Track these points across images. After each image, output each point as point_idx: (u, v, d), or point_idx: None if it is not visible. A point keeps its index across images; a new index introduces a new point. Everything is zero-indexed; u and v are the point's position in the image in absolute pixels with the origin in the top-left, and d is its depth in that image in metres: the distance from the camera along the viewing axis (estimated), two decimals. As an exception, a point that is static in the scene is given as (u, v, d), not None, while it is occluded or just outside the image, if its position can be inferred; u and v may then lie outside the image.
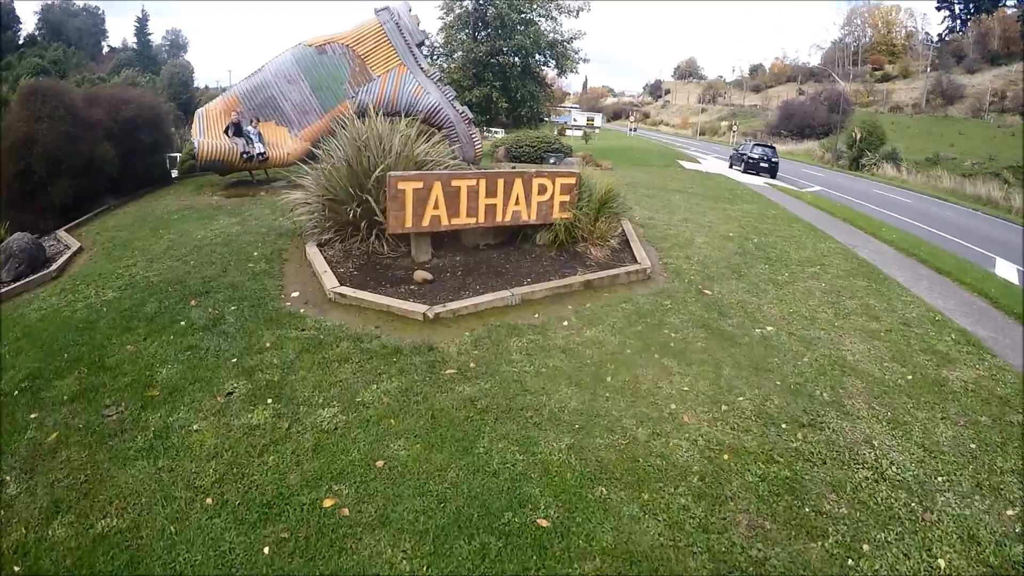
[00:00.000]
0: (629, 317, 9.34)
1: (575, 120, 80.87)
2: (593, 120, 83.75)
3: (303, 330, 8.29)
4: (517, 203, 10.80)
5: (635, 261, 11.38)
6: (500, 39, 35.89)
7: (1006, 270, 17.55)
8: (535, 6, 36.60)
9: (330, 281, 9.49)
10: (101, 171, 17.79)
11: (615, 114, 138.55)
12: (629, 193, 16.82)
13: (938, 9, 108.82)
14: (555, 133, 44.52)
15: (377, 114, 11.77)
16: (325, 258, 10.45)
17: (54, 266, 11.54)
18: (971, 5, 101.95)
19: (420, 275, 9.77)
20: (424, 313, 8.57)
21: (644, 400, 7.09)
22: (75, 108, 17.79)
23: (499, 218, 10.75)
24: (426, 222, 10.11)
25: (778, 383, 7.73)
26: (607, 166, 27.86)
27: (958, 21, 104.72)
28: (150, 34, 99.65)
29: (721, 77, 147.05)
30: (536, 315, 9.11)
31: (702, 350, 8.46)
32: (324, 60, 19.55)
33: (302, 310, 8.90)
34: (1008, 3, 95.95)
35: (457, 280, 9.97)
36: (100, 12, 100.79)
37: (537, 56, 37.85)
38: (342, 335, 8.14)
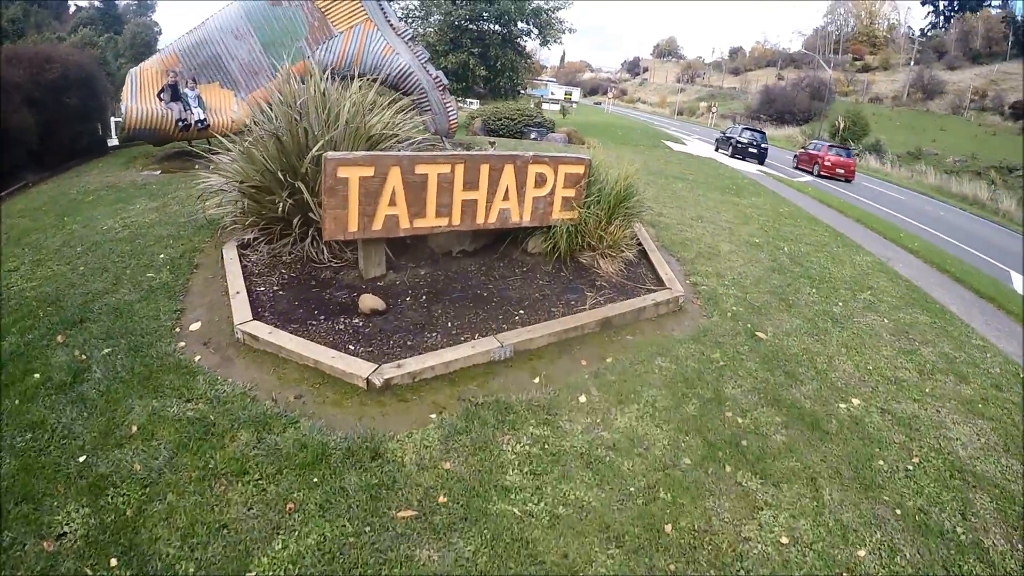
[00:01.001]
0: (672, 385, 6.43)
1: (552, 94, 77.83)
2: (571, 95, 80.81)
3: (189, 400, 5.32)
4: (506, 198, 7.79)
5: (660, 283, 8.52)
6: (481, 3, 32.71)
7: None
8: None
9: (241, 310, 6.53)
10: (18, 142, 14.85)
11: (592, 89, 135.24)
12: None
13: (923, 4, 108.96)
14: (532, 106, 41.61)
15: (336, 76, 8.91)
16: (245, 267, 7.56)
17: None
18: (956, 3, 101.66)
19: (368, 302, 6.78)
20: (368, 378, 5.59)
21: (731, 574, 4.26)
22: None
23: (481, 219, 7.74)
24: (378, 225, 7.05)
25: (898, 512, 5.05)
26: (594, 144, 25.04)
27: (942, 17, 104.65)
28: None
29: (700, 58, 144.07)
30: (537, 379, 6.15)
31: (785, 449, 5.65)
32: (278, 13, 16.45)
33: (197, 358, 5.96)
34: (993, 3, 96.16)
35: (420, 310, 6.98)
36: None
37: (520, 24, 34.73)
38: (244, 416, 5.16)
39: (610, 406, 5.90)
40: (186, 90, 15.47)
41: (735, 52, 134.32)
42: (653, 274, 8.77)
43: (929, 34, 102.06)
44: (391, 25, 17.48)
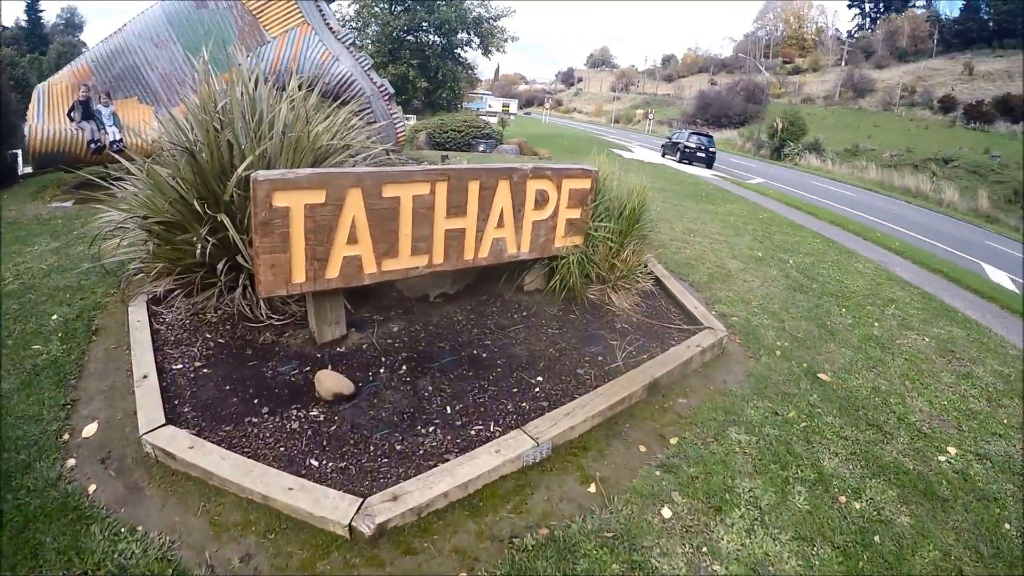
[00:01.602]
0: (764, 468, 4.65)
1: (490, 106, 75.75)
2: (508, 107, 78.97)
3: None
4: (500, 224, 5.81)
5: (691, 319, 6.70)
6: (421, 12, 30.75)
7: (1001, 278, 15.12)
8: None
9: (150, 408, 4.41)
10: None
11: (528, 101, 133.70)
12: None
13: (849, 7, 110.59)
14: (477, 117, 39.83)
15: (267, 82, 7.05)
16: (157, 331, 5.50)
17: None
18: (881, 4, 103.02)
19: (329, 383, 4.71)
20: (352, 525, 3.50)
21: None
22: None
23: (470, 254, 5.73)
24: (333, 272, 4.98)
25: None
26: (545, 155, 23.30)
27: (868, 19, 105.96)
28: (42, 11, 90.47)
29: (634, 66, 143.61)
30: (593, 487, 4.19)
31: (918, 536, 4.27)
32: (204, 17, 14.37)
33: (92, 488, 3.88)
34: (917, 3, 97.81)
35: (403, 388, 4.96)
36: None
37: (460, 34, 32.84)
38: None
39: (705, 519, 4.04)
40: (99, 107, 13.28)
41: (668, 60, 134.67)
42: (677, 308, 6.93)
43: (856, 35, 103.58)
44: (330, 28, 15.51)
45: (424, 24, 31.98)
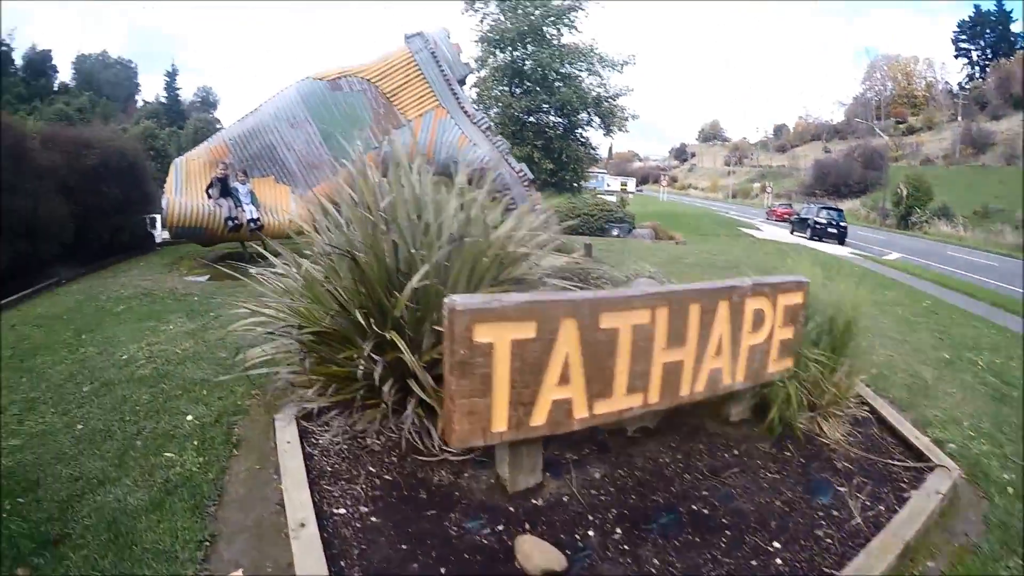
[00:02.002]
0: None
1: (608, 185, 74.86)
2: (627, 185, 77.96)
3: None
4: (719, 352, 4.85)
5: (914, 452, 5.59)
6: (542, 94, 30.38)
7: None
8: (577, 60, 30.98)
9: (311, 568, 3.53)
10: (48, 234, 12.60)
11: (643, 178, 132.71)
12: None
13: (956, 57, 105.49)
14: (612, 198, 39.11)
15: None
16: (311, 457, 4.68)
17: None
18: (988, 50, 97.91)
19: (537, 556, 3.67)
20: None
21: None
22: (19, 151, 12.59)
23: (686, 389, 4.75)
24: (540, 418, 4.04)
25: None
26: (680, 239, 22.25)
27: (977, 68, 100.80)
28: (179, 89, 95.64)
29: (745, 138, 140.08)
30: None
31: None
32: (339, 99, 14.13)
33: None
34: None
35: (623, 561, 3.84)
36: (133, 65, 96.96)
37: (581, 114, 32.24)
38: None
39: None
40: (236, 184, 13.09)
41: (779, 129, 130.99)
42: (894, 437, 5.80)
43: (968, 87, 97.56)
44: (465, 112, 15.10)
45: (545, 105, 31.48)
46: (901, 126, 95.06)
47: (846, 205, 63.35)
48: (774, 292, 5.10)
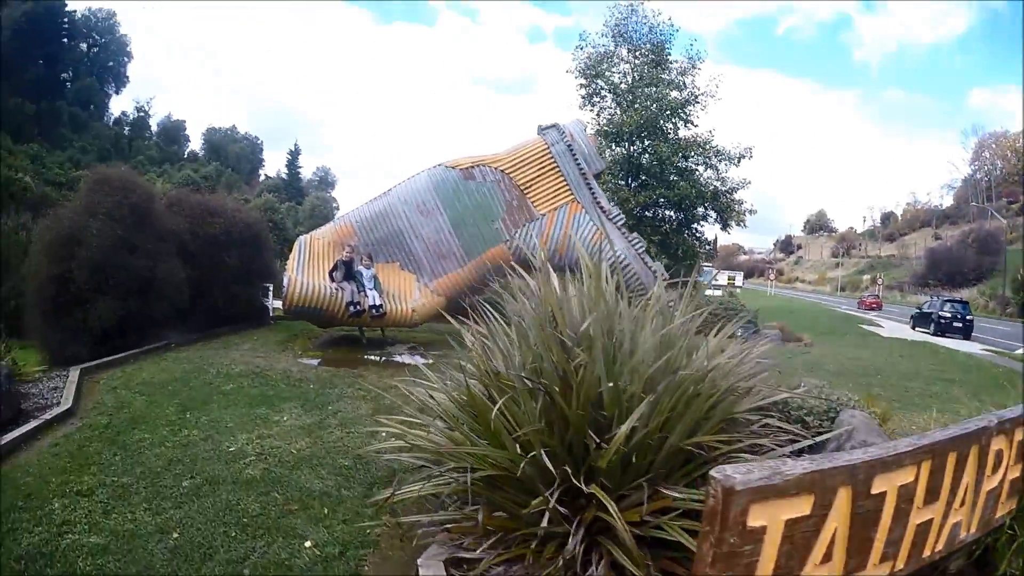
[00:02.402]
0: None
1: (716, 279, 72.88)
2: (734, 279, 75.76)
3: None
4: (962, 503, 3.67)
5: None
6: (660, 188, 29.56)
7: None
8: (694, 153, 30.07)
9: None
10: (164, 296, 12.25)
11: (748, 271, 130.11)
12: (896, 395, 11.33)
13: None
14: (727, 296, 37.73)
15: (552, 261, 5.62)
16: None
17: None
18: None
19: None
20: None
21: None
22: (144, 210, 12.47)
23: (928, 548, 3.41)
24: None
25: None
26: (808, 341, 20.73)
27: None
28: (300, 167, 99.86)
29: (852, 228, 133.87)
30: None
31: None
32: (471, 188, 13.62)
33: None
34: None
35: None
36: (259, 141, 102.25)
37: (698, 208, 31.17)
38: None
39: None
40: (361, 268, 12.58)
41: (887, 217, 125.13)
42: None
43: None
44: (600, 207, 14.37)
45: (662, 200, 30.62)
46: (1013, 206, 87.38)
47: (963, 295, 59.38)
48: (1012, 428, 3.98)
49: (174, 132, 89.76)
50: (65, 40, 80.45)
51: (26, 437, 6.94)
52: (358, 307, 12.06)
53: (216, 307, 14.31)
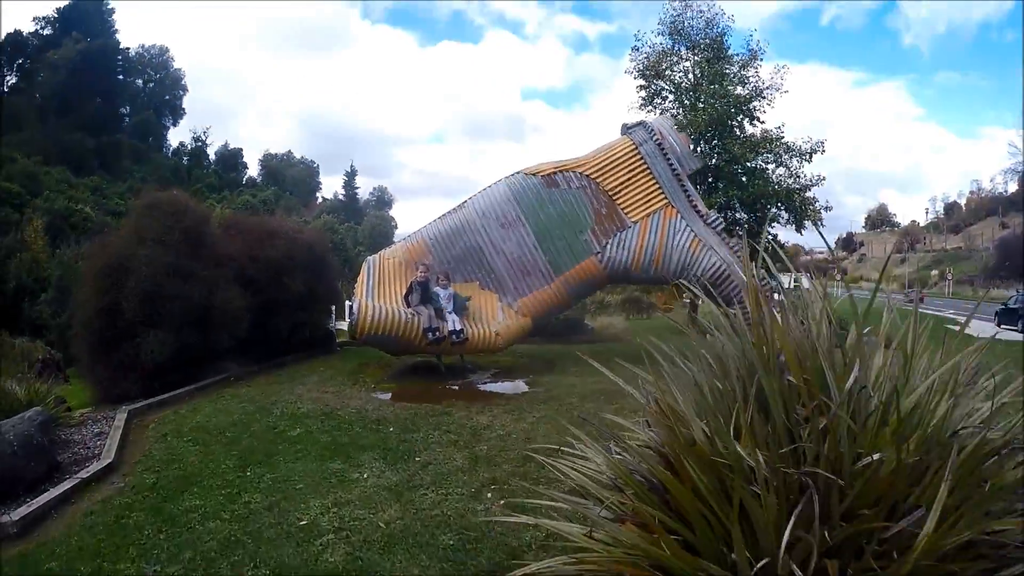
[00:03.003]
0: None
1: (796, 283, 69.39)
2: (800, 281, 72.64)
3: None
4: None
5: None
6: (733, 189, 27.63)
7: None
8: (764, 151, 28.02)
9: None
10: (221, 325, 11.17)
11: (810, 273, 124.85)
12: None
13: None
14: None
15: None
16: None
17: None
18: None
19: None
20: None
21: None
22: (198, 234, 11.52)
23: None
24: None
25: None
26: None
27: None
28: (357, 188, 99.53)
29: (915, 222, 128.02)
30: None
31: None
32: (555, 197, 12.18)
33: None
34: None
35: None
36: (315, 165, 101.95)
37: (772, 209, 29.02)
38: None
39: None
40: (437, 288, 11.19)
41: (950, 208, 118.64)
42: None
43: None
44: (697, 212, 12.82)
45: (735, 201, 28.64)
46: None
47: None
48: None
49: (232, 160, 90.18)
50: (121, 76, 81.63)
51: (59, 500, 5.96)
52: (437, 333, 10.66)
53: (279, 335, 13.11)
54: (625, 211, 12.44)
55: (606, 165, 12.68)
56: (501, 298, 11.85)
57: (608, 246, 12.16)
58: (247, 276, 12.35)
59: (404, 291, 11.18)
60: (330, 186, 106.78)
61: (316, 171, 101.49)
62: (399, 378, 11.58)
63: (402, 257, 12.06)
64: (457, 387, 11.04)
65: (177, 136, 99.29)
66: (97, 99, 75.89)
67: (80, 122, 69.67)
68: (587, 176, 12.53)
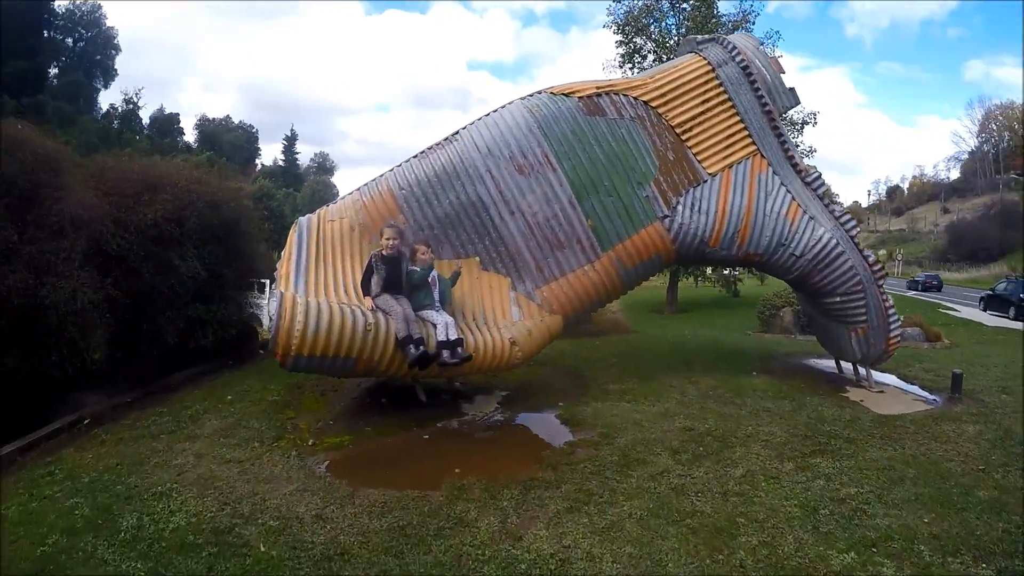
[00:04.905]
0: None
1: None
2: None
3: None
4: None
5: None
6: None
7: None
8: None
9: None
10: (58, 334, 6.91)
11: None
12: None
13: None
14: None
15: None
16: None
17: None
18: None
19: None
20: None
21: None
22: (30, 185, 7.26)
23: None
24: None
25: None
26: (947, 341, 14.23)
27: None
28: (297, 153, 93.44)
29: (857, 202, 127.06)
30: None
31: None
32: (600, 129, 7.48)
33: None
34: None
35: None
36: (254, 130, 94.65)
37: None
38: None
39: None
40: (414, 268, 6.44)
41: (892, 191, 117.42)
42: None
43: None
44: (795, 165, 8.31)
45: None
46: (1023, 178, 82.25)
47: (993, 271, 52.69)
48: None
49: (166, 124, 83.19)
50: (46, 32, 73.91)
51: None
52: (420, 348, 5.87)
53: (163, 343, 8.19)
54: (699, 158, 7.85)
55: (670, 90, 8.03)
56: (516, 284, 7.14)
57: (679, 207, 7.57)
58: (109, 252, 7.49)
59: (360, 274, 6.37)
60: (270, 154, 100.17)
61: (255, 137, 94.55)
62: (353, 418, 6.85)
63: (355, 218, 7.19)
64: (455, 436, 6.39)
65: (109, 99, 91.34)
66: (18, 58, 68.28)
67: (1, 83, 62.27)
68: (645, 103, 7.87)
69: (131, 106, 79.42)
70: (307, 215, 7.28)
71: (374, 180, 7.50)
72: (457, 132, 7.48)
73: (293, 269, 6.42)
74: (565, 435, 6.33)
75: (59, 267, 6.82)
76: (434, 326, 6.17)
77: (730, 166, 7.92)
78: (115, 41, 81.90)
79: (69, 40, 79.61)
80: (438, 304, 6.40)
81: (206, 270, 8.66)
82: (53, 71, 75.97)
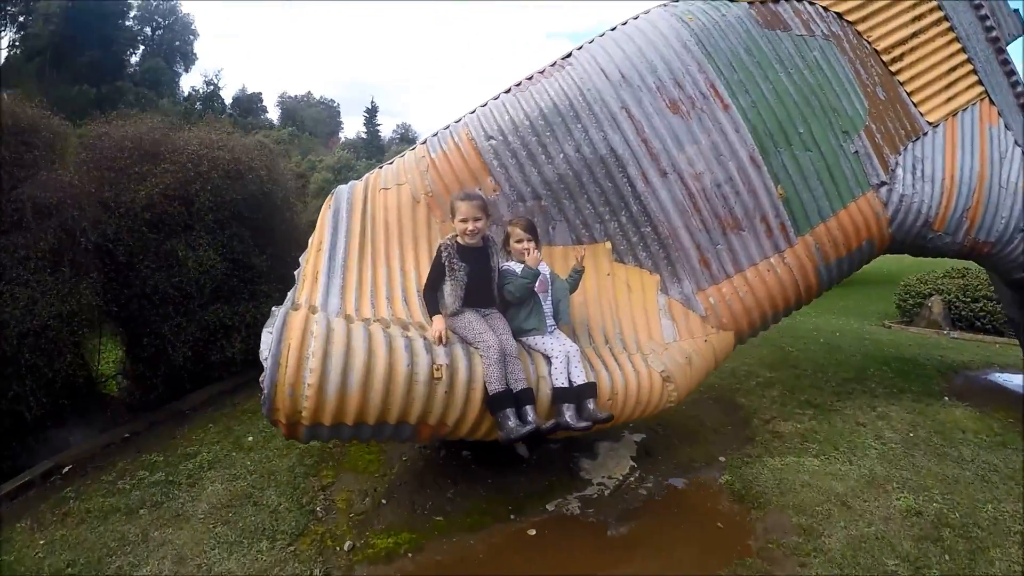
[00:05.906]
0: None
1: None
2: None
3: None
4: None
5: None
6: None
7: None
8: None
9: None
10: (15, 360, 4.82)
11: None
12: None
13: None
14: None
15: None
16: None
17: None
18: None
19: None
20: None
21: None
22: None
23: None
24: None
25: None
26: None
27: None
28: (379, 124, 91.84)
29: None
30: None
31: None
32: (785, 48, 4.63)
33: None
34: None
35: None
36: (336, 105, 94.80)
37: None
38: None
39: None
40: (510, 264, 3.91)
41: None
42: None
43: None
44: (1028, 112, 5.50)
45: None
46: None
47: None
48: None
49: (248, 104, 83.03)
50: (120, 22, 74.66)
51: None
52: (528, 419, 3.36)
53: (169, 361, 5.94)
54: (915, 100, 5.15)
55: (873, 2, 5.32)
56: (668, 284, 4.51)
57: (898, 170, 4.90)
58: (92, 243, 5.35)
59: (425, 275, 3.84)
60: (352, 128, 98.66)
61: (337, 111, 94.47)
62: (417, 492, 4.43)
63: (419, 184, 4.64)
64: (576, 531, 3.92)
65: (190, 83, 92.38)
66: (94, 48, 68.89)
67: (78, 72, 62.72)
68: (838, 16, 5.17)
69: (212, 87, 79.50)
70: (346, 185, 4.77)
71: (447, 127, 4.92)
72: (570, 54, 4.87)
73: (324, 267, 3.96)
74: (744, 527, 3.82)
75: (12, 271, 4.66)
76: (547, 362, 3.66)
77: (954, 113, 5.20)
78: (192, 27, 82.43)
79: (147, 29, 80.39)
80: (552, 323, 3.89)
81: (227, 260, 6.34)
82: (134, 59, 76.74)
